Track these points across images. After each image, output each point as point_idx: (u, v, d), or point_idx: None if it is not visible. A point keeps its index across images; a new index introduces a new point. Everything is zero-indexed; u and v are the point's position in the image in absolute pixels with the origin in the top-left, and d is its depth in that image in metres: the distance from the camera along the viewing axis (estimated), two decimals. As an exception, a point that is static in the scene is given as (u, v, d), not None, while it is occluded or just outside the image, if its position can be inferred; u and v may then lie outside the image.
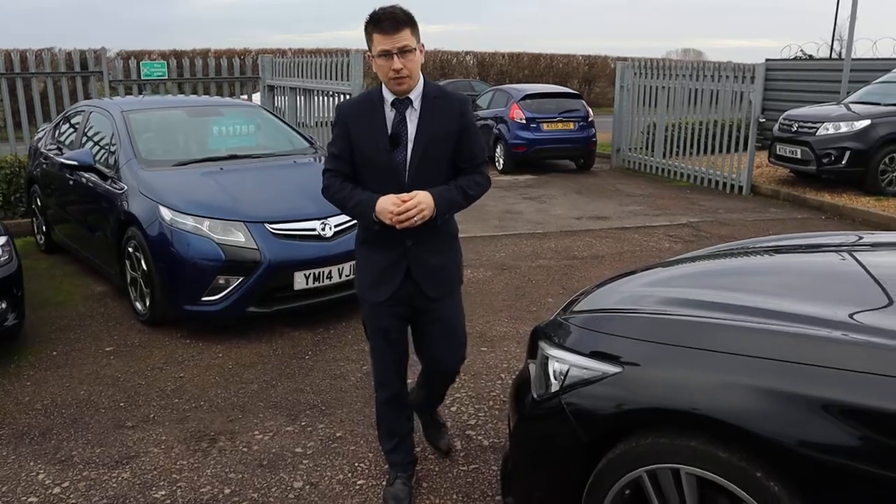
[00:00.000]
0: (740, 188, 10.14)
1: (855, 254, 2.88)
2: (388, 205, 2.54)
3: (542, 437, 2.36)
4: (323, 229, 4.72)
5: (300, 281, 4.59)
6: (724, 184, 10.38)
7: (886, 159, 8.95)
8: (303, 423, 3.56)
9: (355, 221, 4.84)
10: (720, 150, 10.62)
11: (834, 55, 19.30)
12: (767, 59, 13.79)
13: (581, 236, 7.61)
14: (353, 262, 4.74)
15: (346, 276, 4.79)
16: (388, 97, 2.62)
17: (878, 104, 9.43)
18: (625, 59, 12.53)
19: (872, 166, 8.93)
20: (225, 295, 4.45)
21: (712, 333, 2.09)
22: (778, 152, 10.04)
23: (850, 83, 11.11)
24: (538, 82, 21.24)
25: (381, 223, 2.59)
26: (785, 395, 1.88)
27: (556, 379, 2.34)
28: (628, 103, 12.21)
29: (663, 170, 11.59)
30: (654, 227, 8.07)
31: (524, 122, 11.59)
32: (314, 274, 4.63)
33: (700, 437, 2.00)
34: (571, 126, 11.81)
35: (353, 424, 3.56)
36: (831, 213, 8.74)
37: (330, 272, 4.70)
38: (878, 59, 12.04)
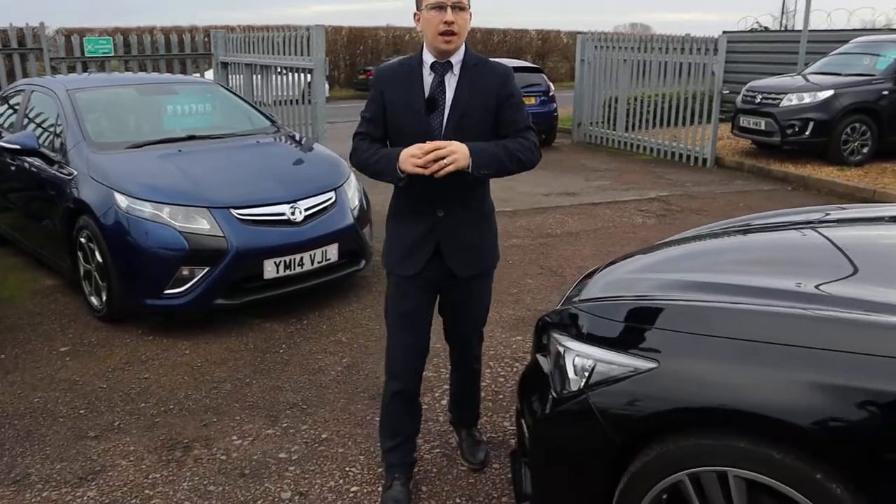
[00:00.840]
0: (704, 160, 10.10)
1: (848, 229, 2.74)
2: (413, 150, 2.35)
3: (565, 439, 2.15)
4: (293, 214, 4.42)
5: (270, 269, 4.28)
6: (688, 156, 10.33)
7: (848, 129, 8.99)
8: (284, 425, 3.29)
9: (327, 205, 4.70)
10: (682, 123, 10.56)
11: (784, 27, 19.49)
12: (725, 32, 13.78)
13: (552, 213, 7.44)
14: (324, 248, 4.56)
15: (319, 262, 4.50)
16: (428, 60, 2.49)
17: (839, 74, 9.46)
18: (580, 32, 12.34)
19: (835, 136, 8.96)
20: (190, 287, 4.11)
21: (763, 323, 1.89)
22: (741, 124, 10.02)
23: (807, 54, 11.17)
24: (493, 57, 20.98)
25: (406, 177, 2.40)
26: (847, 390, 1.71)
27: (577, 375, 2.13)
28: (589, 77, 12.06)
29: (626, 144, 11.49)
30: (624, 202, 7.95)
31: (486, 97, 11.31)
32: (285, 262, 4.33)
33: (750, 437, 1.82)
34: (533, 101, 11.58)
35: (339, 424, 3.31)
36: (796, 184, 8.75)
37: (301, 259, 4.41)
38: (833, 30, 12.14)
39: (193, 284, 4.11)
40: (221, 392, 3.60)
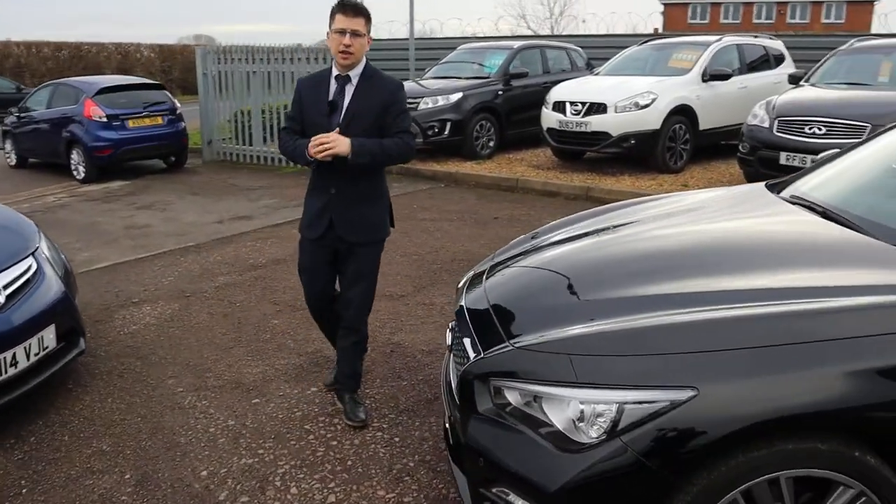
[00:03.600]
0: (353, 168, 10.27)
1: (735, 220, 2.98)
2: (315, 139, 3.03)
3: (601, 497, 1.89)
4: (-11, 296, 3.20)
5: (-27, 381, 3.05)
6: (337, 165, 10.40)
7: (478, 126, 10.00)
8: (111, 593, 2.35)
9: (28, 276, 3.54)
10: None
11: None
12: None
13: (241, 241, 6.79)
14: (40, 335, 3.42)
15: (36, 355, 3.36)
16: (334, 72, 3.20)
17: (459, 77, 10.45)
18: (199, 45, 11.50)
19: (468, 134, 9.89)
20: None
21: (782, 326, 1.91)
22: (383, 129, 10.40)
23: (418, 60, 12.14)
24: (70, 74, 18.38)
25: (315, 161, 3.08)
26: (873, 371, 1.82)
27: (586, 422, 1.91)
28: (213, 91, 11.33)
29: (266, 158, 11.08)
30: (306, 219, 7.64)
31: (105, 120, 9.81)
32: (-8, 365, 3.12)
33: (795, 437, 1.83)
34: (160, 121, 10.45)
35: (186, 562, 2.49)
36: (447, 181, 9.41)
37: (14, 356, 3.23)
38: (439, 38, 13.38)
39: None
40: (-28, 580, 2.43)
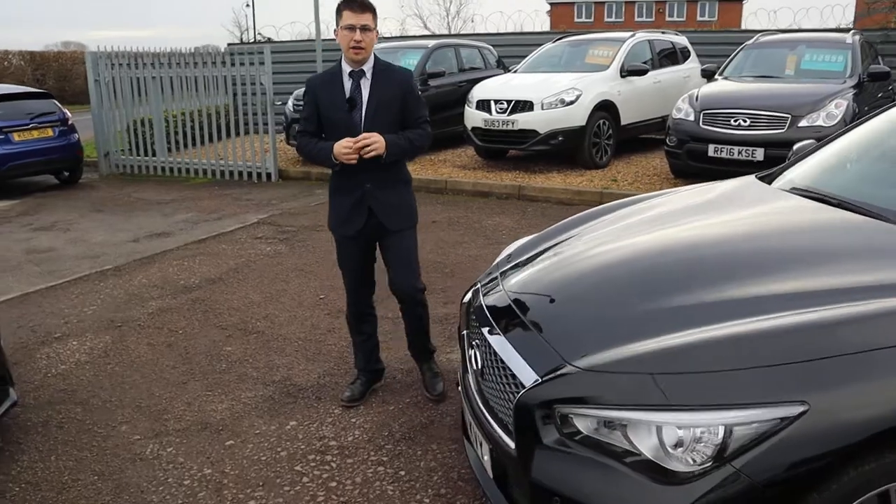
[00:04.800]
0: (269, 175, 9.81)
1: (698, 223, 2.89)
2: (342, 144, 3.07)
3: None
4: None
5: None
6: (251, 173, 9.90)
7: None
8: None
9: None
10: (227, 137, 10.25)
11: (242, 41, 20.13)
12: (230, 44, 13.55)
13: (165, 261, 6.25)
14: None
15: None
16: (346, 69, 3.19)
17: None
18: (93, 51, 10.64)
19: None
20: None
21: (878, 327, 1.79)
22: (300, 134, 9.99)
23: (325, 62, 11.72)
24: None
25: (340, 164, 3.11)
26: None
27: (685, 449, 1.73)
28: (108, 99, 10.51)
29: (172, 169, 10.41)
30: (231, 233, 7.16)
31: (-12, 133, 8.89)
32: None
33: (903, 446, 1.72)
34: (50, 133, 9.58)
35: None
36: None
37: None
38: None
39: None
40: None
